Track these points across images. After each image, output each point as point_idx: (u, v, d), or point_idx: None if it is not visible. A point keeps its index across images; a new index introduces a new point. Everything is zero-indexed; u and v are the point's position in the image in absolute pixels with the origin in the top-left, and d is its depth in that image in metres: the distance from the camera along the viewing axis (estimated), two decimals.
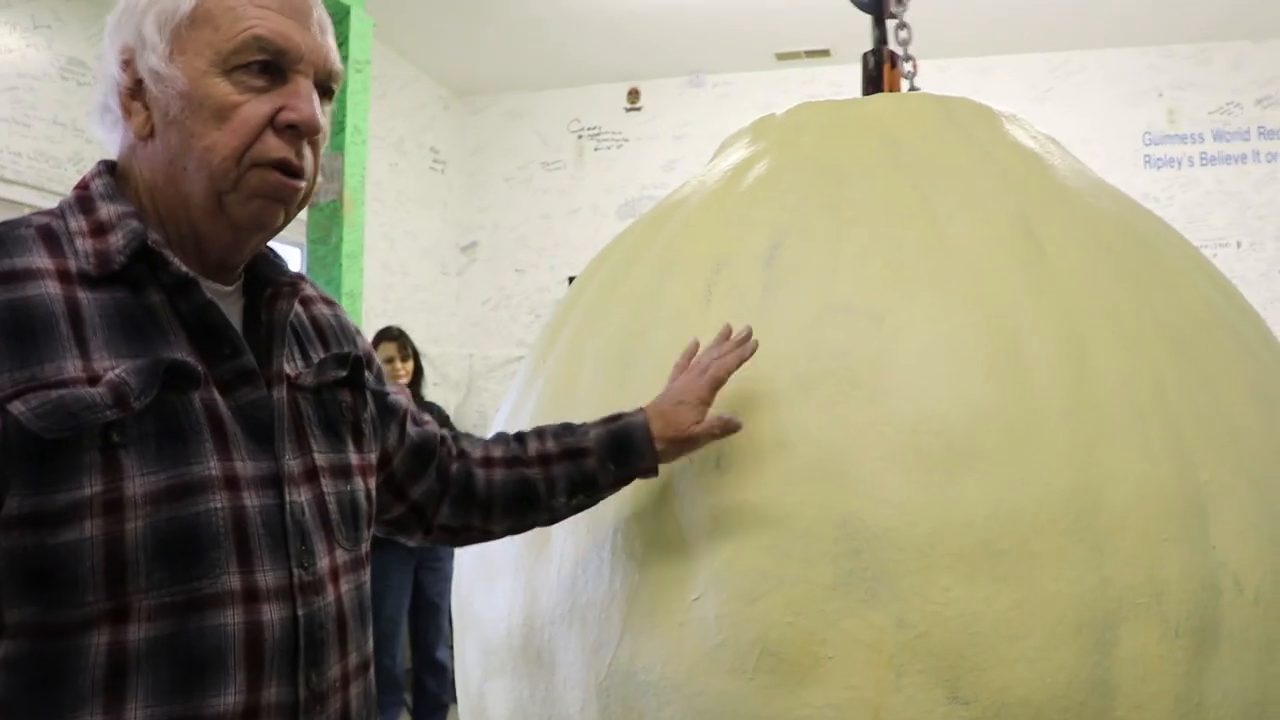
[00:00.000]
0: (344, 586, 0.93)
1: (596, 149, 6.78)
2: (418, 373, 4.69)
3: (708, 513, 0.93)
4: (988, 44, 5.85)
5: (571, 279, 6.49)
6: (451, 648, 4.71)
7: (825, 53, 6.17)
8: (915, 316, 0.97)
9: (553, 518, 1.07)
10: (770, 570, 0.90)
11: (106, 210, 0.88)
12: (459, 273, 6.94)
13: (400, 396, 1.11)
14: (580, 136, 6.81)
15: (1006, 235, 1.04)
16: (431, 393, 4.91)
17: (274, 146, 0.87)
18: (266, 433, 0.89)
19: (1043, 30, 5.63)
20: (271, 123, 0.87)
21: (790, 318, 0.99)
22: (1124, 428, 0.92)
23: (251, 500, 0.86)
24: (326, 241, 4.13)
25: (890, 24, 1.49)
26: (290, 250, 5.30)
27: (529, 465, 1.08)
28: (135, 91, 0.89)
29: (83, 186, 0.92)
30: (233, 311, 0.92)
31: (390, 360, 4.62)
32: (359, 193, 4.22)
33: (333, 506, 0.93)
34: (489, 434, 1.13)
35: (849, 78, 5.97)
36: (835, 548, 0.89)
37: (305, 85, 0.89)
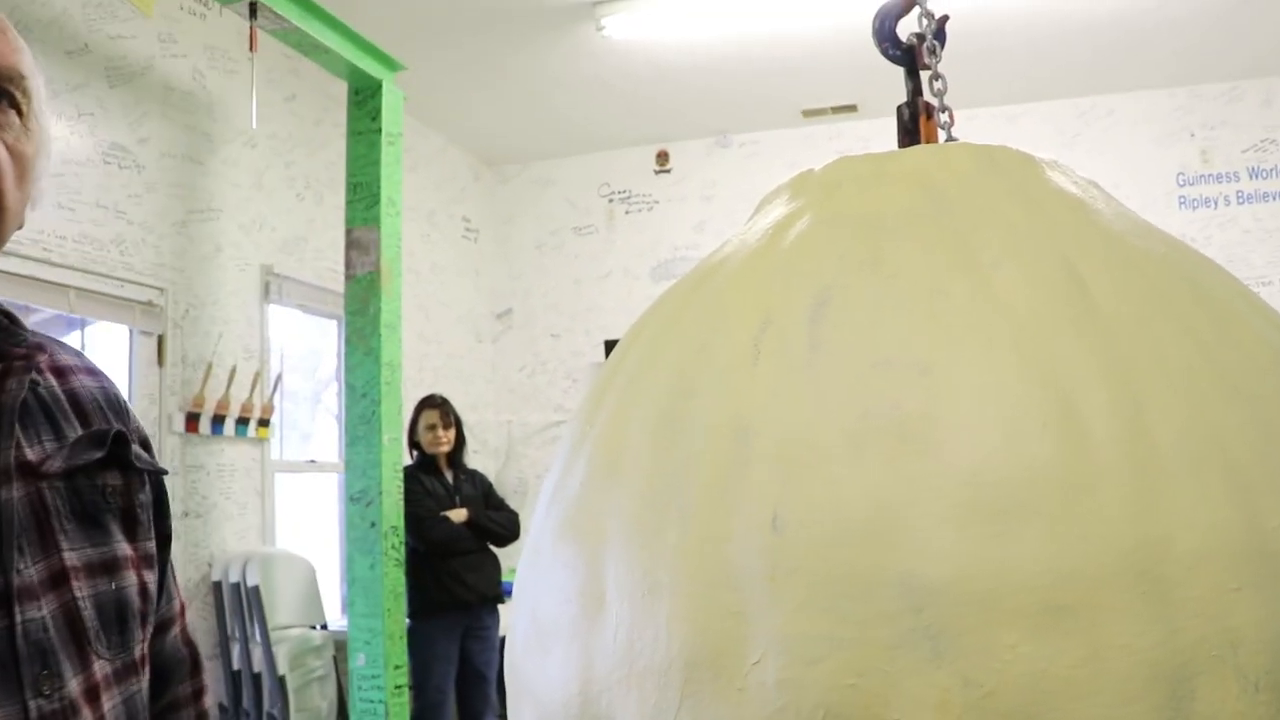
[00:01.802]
0: (107, 705, 0.81)
1: (627, 212, 6.84)
2: (460, 440, 4.70)
3: (763, 575, 0.91)
4: (1014, 91, 5.87)
5: (607, 342, 6.54)
6: (500, 716, 4.70)
7: (852, 108, 6.22)
8: (964, 368, 0.96)
9: None
10: (829, 632, 0.88)
11: None
12: (494, 340, 6.98)
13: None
14: (610, 200, 6.87)
15: (1053, 282, 1.03)
16: (472, 460, 4.92)
17: None
18: None
19: (1069, 75, 5.64)
20: None
21: (838, 374, 0.98)
22: (1185, 476, 0.90)
23: None
24: (364, 313, 4.17)
25: (923, 75, 1.50)
26: (328, 322, 5.35)
27: None
28: None
29: None
30: None
31: (433, 428, 4.64)
32: (395, 263, 4.26)
33: (88, 613, 0.81)
34: (532, 501, 1.08)
35: (876, 132, 6.02)
36: (895, 606, 0.87)
37: None
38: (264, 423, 4.73)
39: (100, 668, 0.80)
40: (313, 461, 5.38)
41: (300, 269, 5.06)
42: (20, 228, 0.83)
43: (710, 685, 0.92)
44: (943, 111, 1.49)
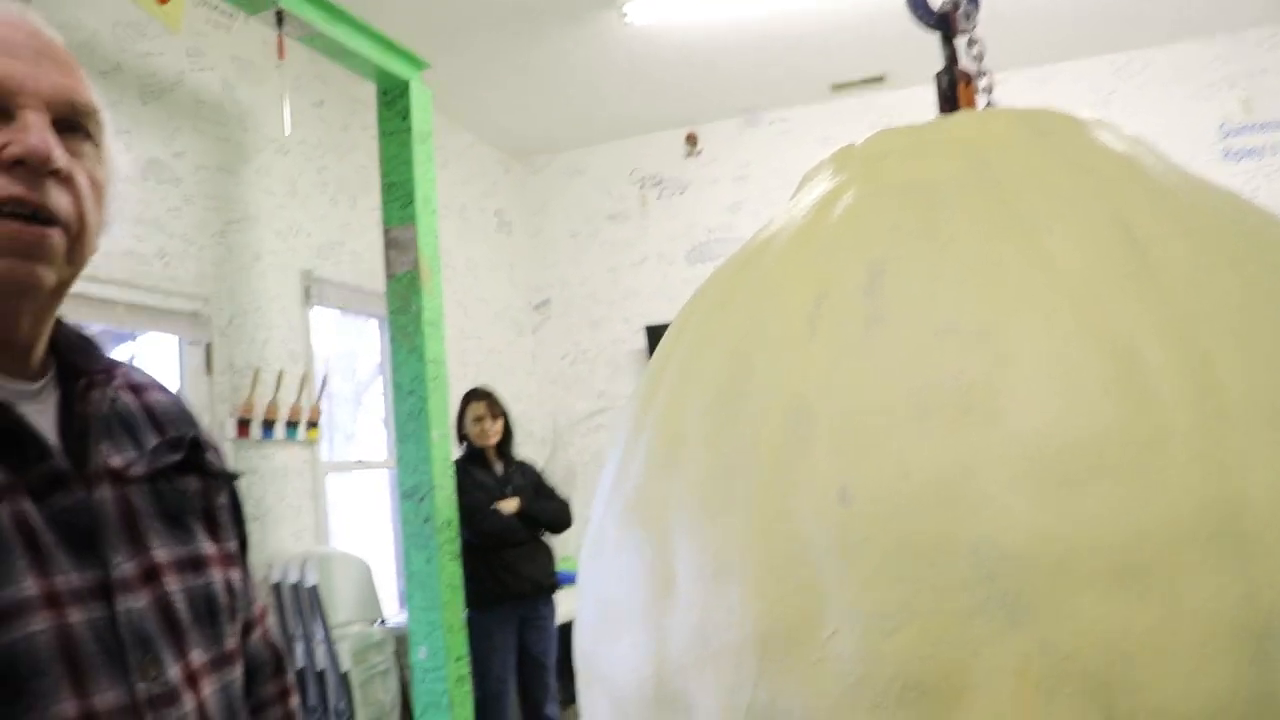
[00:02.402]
0: (206, 690, 0.85)
1: (659, 197, 6.83)
2: (507, 431, 4.72)
3: (833, 548, 0.92)
4: (1047, 52, 5.80)
5: (648, 328, 6.54)
6: (560, 703, 4.72)
7: (880, 79, 6.17)
8: (1024, 333, 0.95)
9: None
10: (904, 602, 0.88)
11: None
12: (534, 331, 7.00)
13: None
14: (642, 186, 6.87)
15: (1108, 242, 1.02)
16: (519, 451, 4.94)
17: (2, 185, 0.78)
18: (88, 539, 0.80)
19: (1103, 32, 5.57)
20: None
21: (898, 345, 0.98)
22: (1257, 429, 0.89)
23: (78, 616, 0.77)
24: (407, 311, 4.20)
25: (959, 40, 1.49)
26: (366, 323, 5.38)
27: None
28: None
29: None
30: (43, 408, 0.84)
31: (480, 420, 4.66)
32: (434, 261, 4.29)
33: (181, 605, 0.85)
34: (581, 489, 1.08)
35: (906, 102, 5.98)
36: (969, 574, 0.87)
37: (34, 119, 0.81)
38: (313, 424, 4.77)
39: (196, 656, 0.85)
40: (361, 461, 5.42)
41: (339, 271, 5.10)
42: (92, 253, 0.87)
43: (786, 660, 0.93)
44: (981, 77, 1.48)
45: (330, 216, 5.18)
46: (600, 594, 1.17)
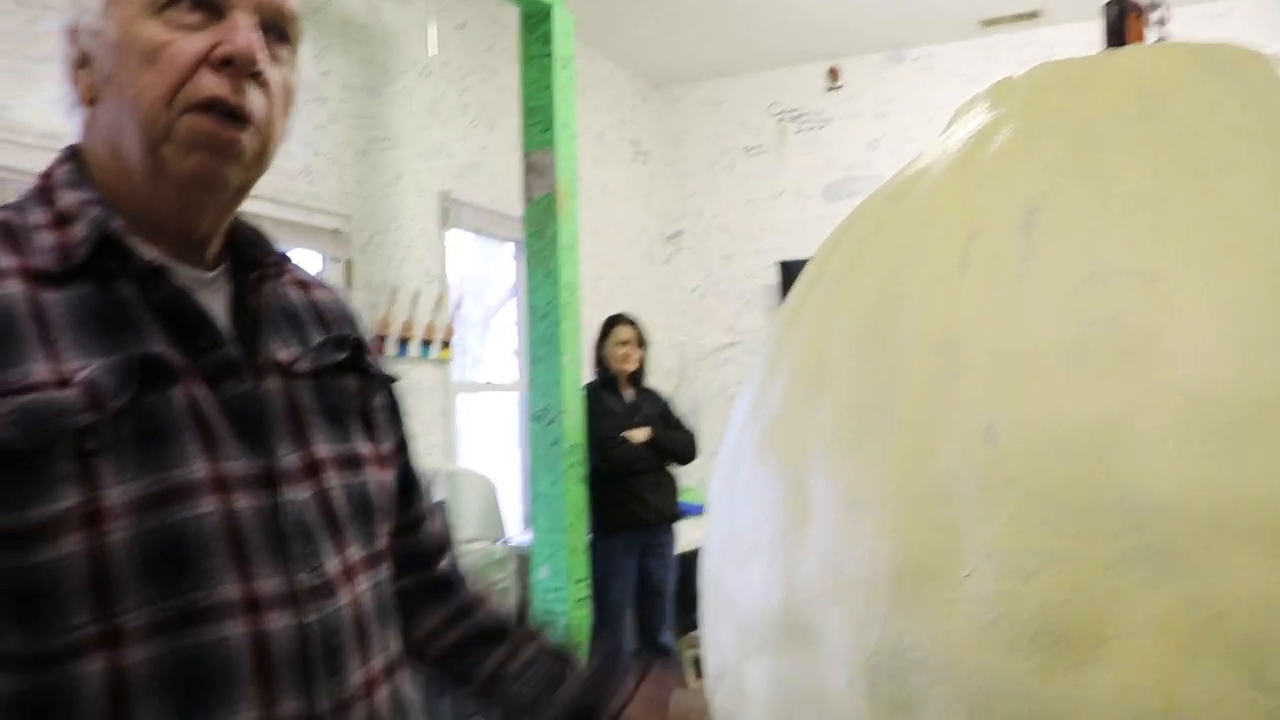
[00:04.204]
0: (360, 586, 0.87)
1: (798, 131, 6.72)
2: (642, 362, 4.75)
3: (975, 487, 0.90)
4: None
5: (781, 263, 6.47)
6: (675, 631, 4.76)
7: (1034, 14, 5.94)
8: (1191, 278, 0.91)
9: (486, 683, 1.02)
10: (1045, 546, 0.86)
11: (67, 199, 0.82)
12: (665, 262, 6.99)
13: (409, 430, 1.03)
14: (781, 119, 6.77)
15: None
16: (647, 381, 4.96)
17: (208, 84, 0.79)
18: (256, 427, 0.82)
19: None
20: (207, 60, 0.80)
21: (1054, 285, 0.95)
22: None
23: (244, 502, 0.79)
24: (543, 235, 4.23)
25: None
26: (499, 247, 5.45)
27: (520, 635, 1.02)
28: (83, 63, 0.83)
29: (45, 175, 0.85)
30: (216, 299, 0.86)
31: (625, 344, 4.69)
32: (571, 186, 4.31)
33: (339, 501, 0.87)
34: (706, 421, 1.08)
35: (1060, 40, 5.73)
36: (1116, 522, 0.85)
37: (244, 19, 0.81)
38: (445, 344, 4.87)
39: (353, 553, 0.87)
40: (490, 382, 5.52)
41: (476, 194, 5.16)
42: (274, 158, 0.89)
43: (919, 597, 0.92)
44: (1153, 9, 1.41)
45: (470, 139, 5.23)
46: (732, 521, 1.17)
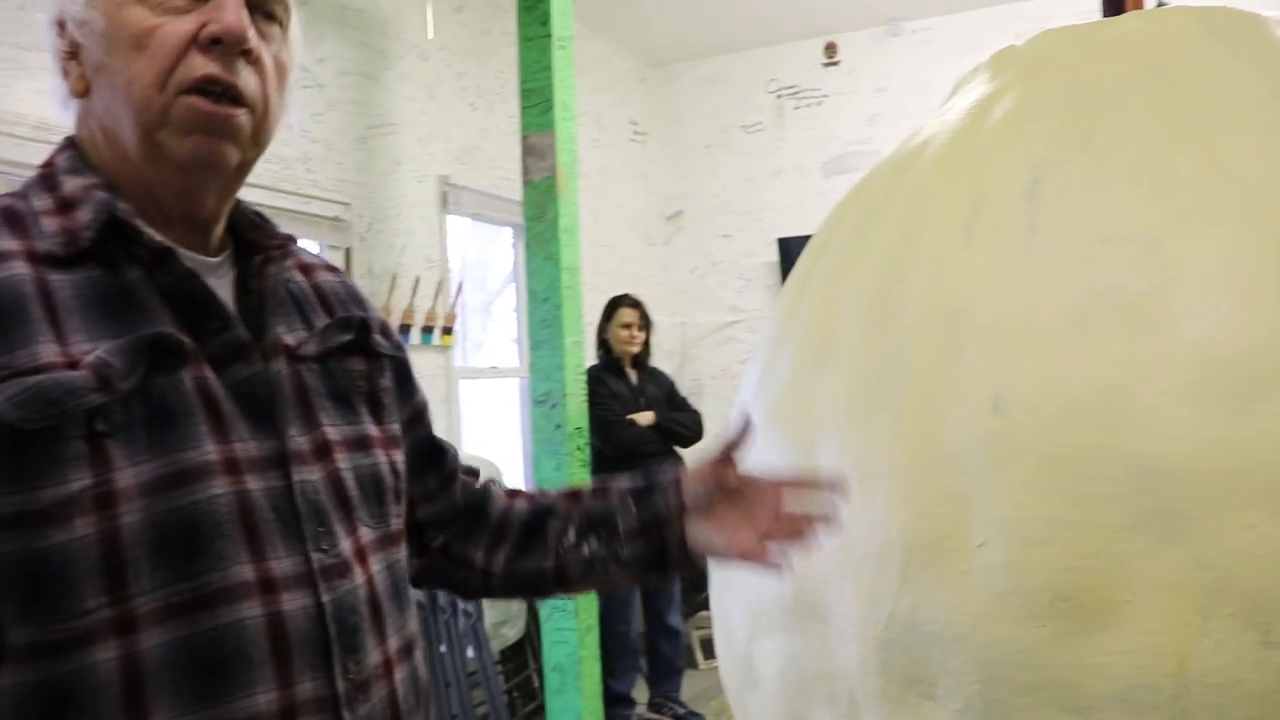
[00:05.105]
0: (374, 566, 0.86)
1: (796, 108, 6.69)
2: (646, 343, 4.74)
3: (987, 457, 0.90)
4: None
5: (780, 240, 6.46)
6: (682, 613, 4.74)
7: None
8: (1195, 243, 0.91)
9: (558, 565, 0.99)
10: (1056, 514, 0.87)
11: (71, 185, 0.82)
12: (665, 242, 6.97)
13: (424, 395, 1.04)
14: (779, 96, 6.73)
15: None
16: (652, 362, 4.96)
17: (199, 64, 0.79)
18: (266, 410, 0.82)
19: None
20: (196, 41, 0.79)
21: (1060, 252, 0.95)
22: None
23: (256, 484, 0.79)
24: (543, 218, 4.21)
25: None
26: (498, 232, 5.44)
27: (553, 501, 1.00)
28: (72, 54, 0.82)
29: (46, 164, 0.84)
30: (222, 283, 0.86)
31: (628, 326, 4.67)
32: (571, 168, 4.29)
33: (350, 482, 0.87)
34: (709, 402, 1.04)
35: (1058, 10, 5.68)
36: (1125, 488, 0.85)
37: None
38: (447, 330, 4.86)
39: (365, 533, 0.86)
40: (494, 367, 5.52)
41: (476, 178, 5.14)
42: (272, 136, 0.88)
43: (932, 569, 0.92)
44: None
45: (469, 122, 5.21)
46: None
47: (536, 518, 1.03)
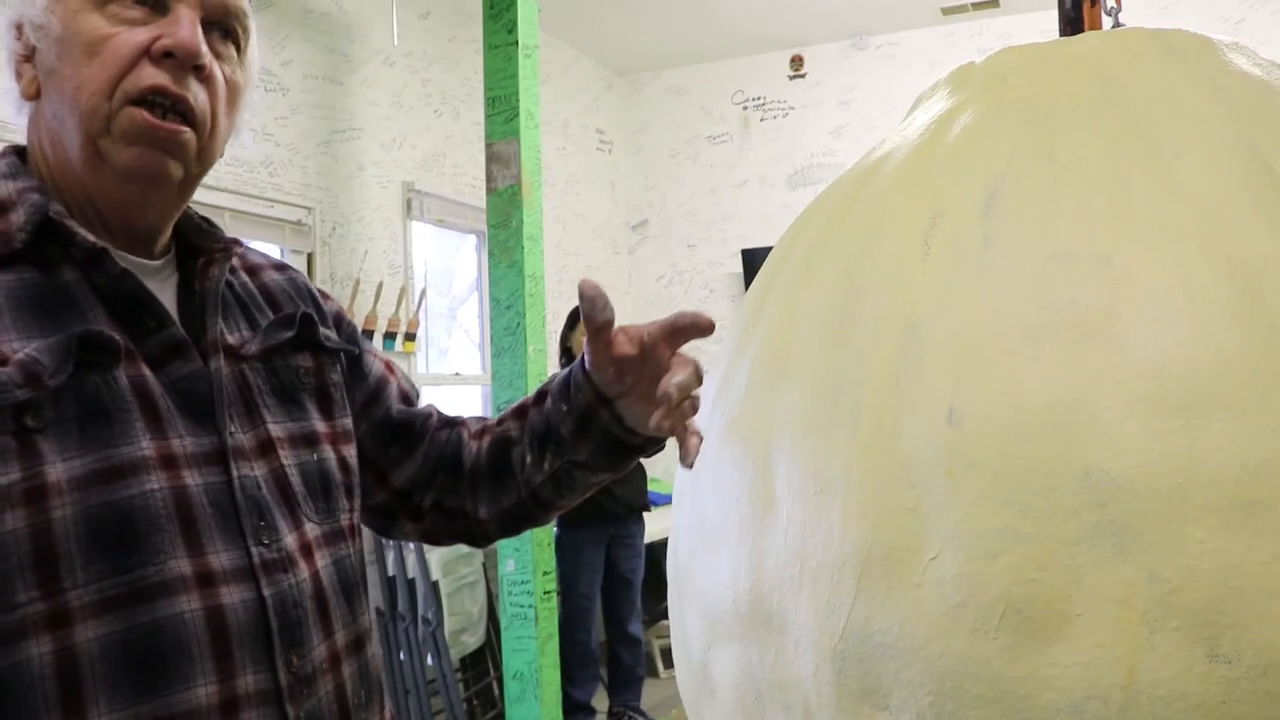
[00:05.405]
0: (320, 561, 0.87)
1: (762, 119, 6.73)
2: None
3: (940, 470, 0.91)
4: None
5: (744, 251, 6.48)
6: (643, 621, 4.74)
7: (994, 3, 5.97)
8: (1146, 259, 0.93)
9: (531, 492, 0.99)
10: (1009, 526, 0.87)
11: (6, 188, 0.82)
12: (630, 251, 6.99)
13: (381, 368, 1.03)
14: (745, 108, 6.77)
15: (1240, 171, 0.98)
16: None
17: (149, 75, 0.80)
18: (205, 407, 0.82)
19: None
20: (149, 53, 0.80)
21: (1014, 268, 0.96)
22: None
23: (194, 479, 0.79)
24: (507, 226, 4.21)
25: None
26: (461, 239, 5.43)
27: (508, 427, 1.00)
28: (28, 57, 0.83)
29: None
30: (164, 286, 0.86)
31: None
32: (536, 176, 4.29)
33: (295, 478, 0.87)
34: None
35: (1020, 29, 5.75)
36: (1077, 501, 0.86)
37: (187, 14, 0.82)
38: (410, 337, 4.84)
39: (310, 529, 0.86)
40: (457, 374, 5.50)
41: (440, 185, 5.13)
42: (220, 155, 0.88)
43: (886, 581, 0.93)
44: None
45: (434, 129, 5.20)
46: (697, 510, 1.17)
47: (500, 451, 1.02)
